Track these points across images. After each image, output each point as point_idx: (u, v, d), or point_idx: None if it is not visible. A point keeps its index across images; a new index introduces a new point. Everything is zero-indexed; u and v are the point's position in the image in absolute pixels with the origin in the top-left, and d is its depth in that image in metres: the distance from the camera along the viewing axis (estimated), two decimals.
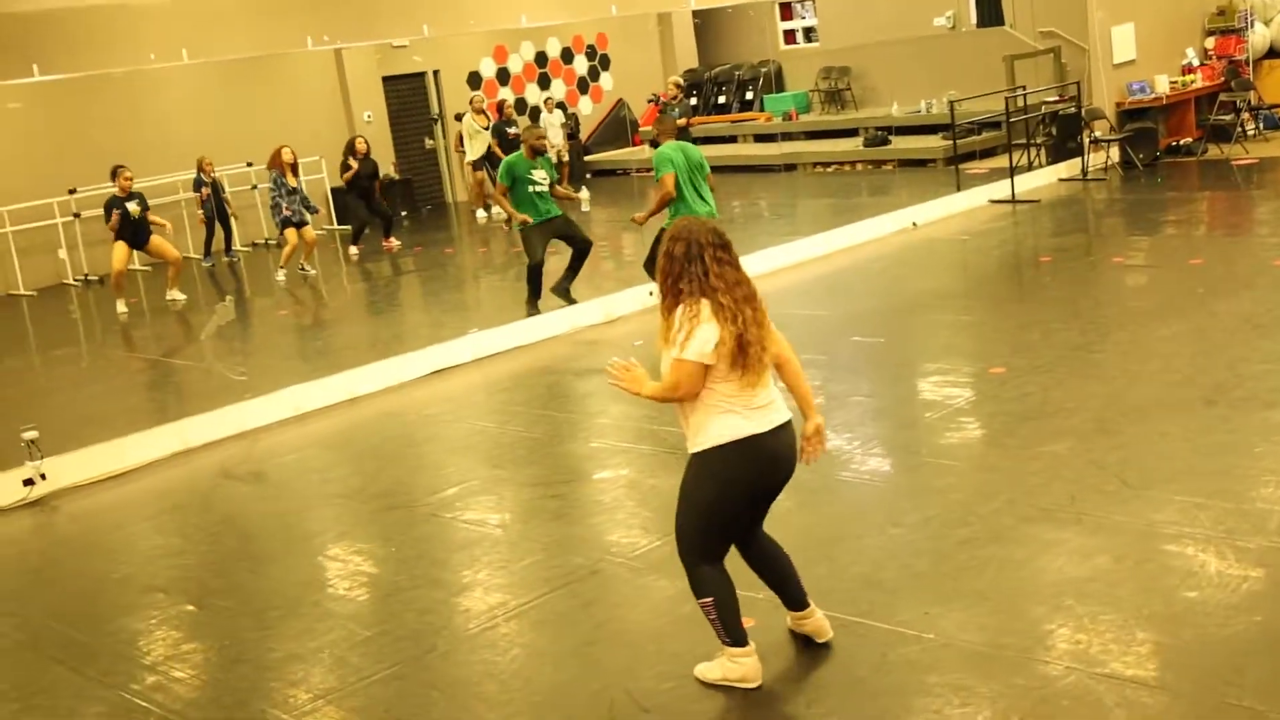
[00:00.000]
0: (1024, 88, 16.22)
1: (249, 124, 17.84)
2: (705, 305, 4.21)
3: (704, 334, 4.18)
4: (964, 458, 6.54)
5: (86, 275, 17.06)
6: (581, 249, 11.14)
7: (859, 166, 19.29)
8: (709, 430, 4.29)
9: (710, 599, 4.39)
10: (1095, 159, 15.67)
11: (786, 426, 4.35)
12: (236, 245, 17.67)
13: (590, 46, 23.12)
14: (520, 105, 21.64)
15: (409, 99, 20.89)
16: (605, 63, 23.44)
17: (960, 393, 7.58)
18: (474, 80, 21.31)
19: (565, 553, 5.93)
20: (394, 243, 16.49)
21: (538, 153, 10.92)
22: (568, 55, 22.81)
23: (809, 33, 24.21)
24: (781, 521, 4.85)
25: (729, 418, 4.26)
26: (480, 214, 18.63)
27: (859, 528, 5.75)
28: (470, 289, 13.89)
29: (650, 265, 10.37)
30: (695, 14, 23.74)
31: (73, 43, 10.10)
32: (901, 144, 19.10)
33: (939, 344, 8.96)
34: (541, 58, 22.41)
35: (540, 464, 7.39)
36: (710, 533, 4.39)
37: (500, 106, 19.17)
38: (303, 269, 14.86)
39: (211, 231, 16.80)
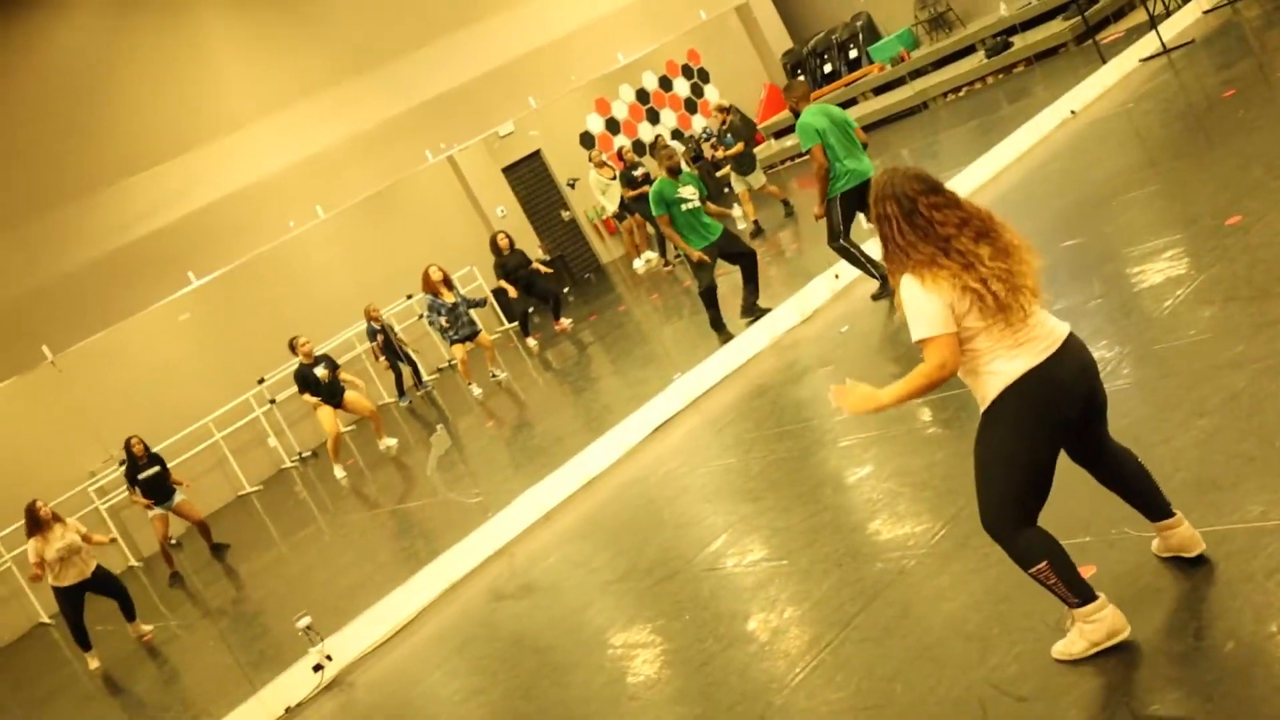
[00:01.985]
0: None
1: (395, 259, 18.08)
2: (934, 272, 3.83)
3: (932, 304, 3.82)
4: (1239, 322, 5.91)
5: (300, 454, 17.47)
6: (748, 264, 10.80)
7: (989, 80, 18.48)
8: (986, 385, 3.92)
9: (1043, 564, 3.93)
10: None
11: (1067, 345, 3.90)
12: (425, 376, 17.89)
13: (685, 66, 22.86)
14: (638, 147, 21.46)
15: (532, 181, 20.93)
16: (705, 76, 23.14)
17: (1202, 258, 6.93)
18: (587, 140, 21.26)
19: (861, 564, 5.55)
20: (566, 323, 16.41)
21: (675, 171, 10.64)
22: (666, 83, 22.59)
23: None
24: None
25: (997, 364, 3.88)
26: (637, 264, 18.49)
27: (1162, 430, 5.21)
28: (657, 338, 13.65)
29: (835, 238, 9.93)
30: None
31: (218, 237, 10.36)
32: (1025, 41, 18.22)
33: (1153, 219, 8.29)
34: (643, 95, 22.23)
35: (798, 482, 7.02)
36: (1017, 492, 3.94)
37: (620, 154, 19.06)
38: (493, 375, 14.87)
39: (398, 372, 17.04)
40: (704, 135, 19.09)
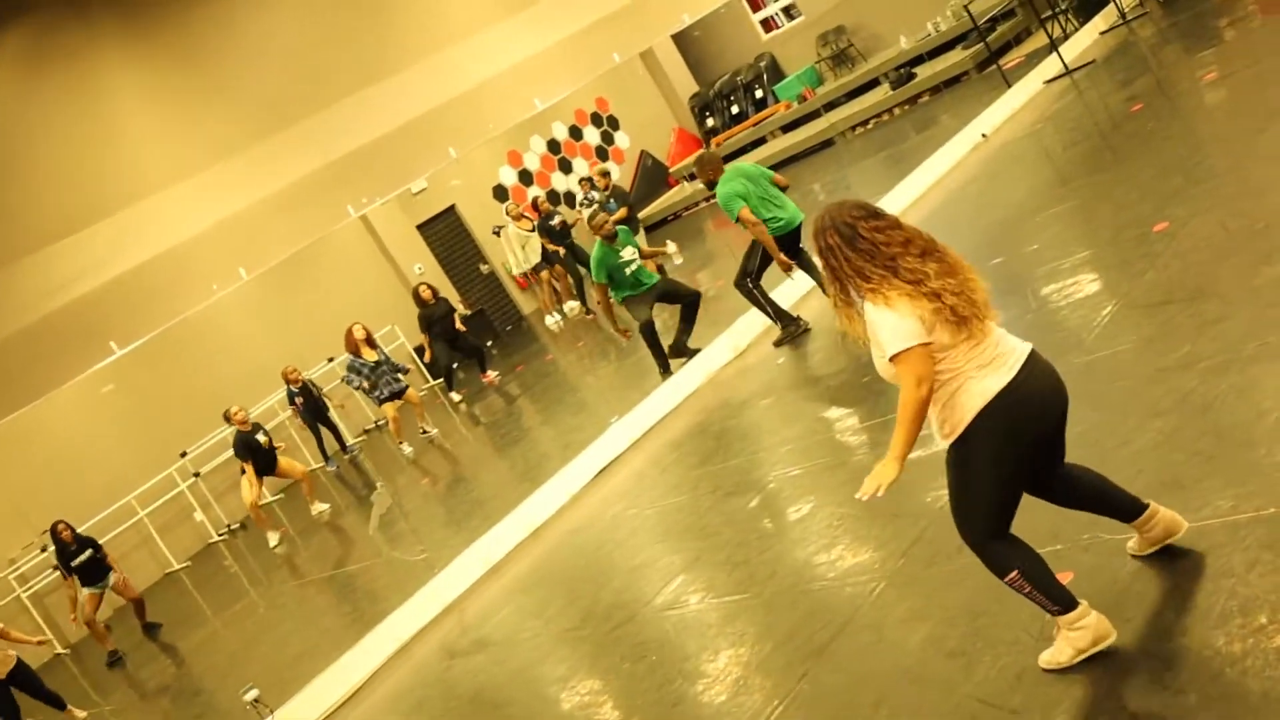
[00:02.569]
0: None
1: (315, 322, 17.81)
2: (891, 291, 3.80)
3: (901, 319, 3.77)
4: (1180, 323, 5.97)
5: (229, 526, 17.07)
6: (690, 303, 10.79)
7: (896, 111, 18.74)
8: (961, 408, 3.85)
9: (1016, 571, 3.91)
10: None
11: (1034, 360, 3.90)
12: (349, 439, 17.59)
13: (595, 114, 22.93)
14: (552, 196, 21.42)
15: (449, 236, 20.78)
16: (614, 123, 23.22)
17: (1133, 265, 7.01)
18: (500, 193, 21.19)
19: (828, 591, 5.48)
20: (492, 375, 16.25)
21: (613, 237, 10.61)
22: (576, 132, 22.63)
23: (788, 11, 23.83)
24: None
25: (969, 385, 3.83)
26: (549, 321, 18.37)
27: (1119, 434, 5.22)
28: (588, 384, 13.55)
29: (744, 279, 9.96)
30: (675, 39, 23.52)
31: (139, 305, 10.10)
32: (928, 71, 18.52)
33: (1079, 232, 8.40)
34: (554, 145, 22.24)
35: (752, 514, 6.94)
36: (992, 505, 3.92)
37: (535, 204, 19.00)
38: (424, 432, 14.65)
39: (318, 434, 16.73)
40: (585, 201, 18.19)
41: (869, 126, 19.15)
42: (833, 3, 21.94)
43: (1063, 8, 15.55)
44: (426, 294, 15.73)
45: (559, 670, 6.43)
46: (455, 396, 16.05)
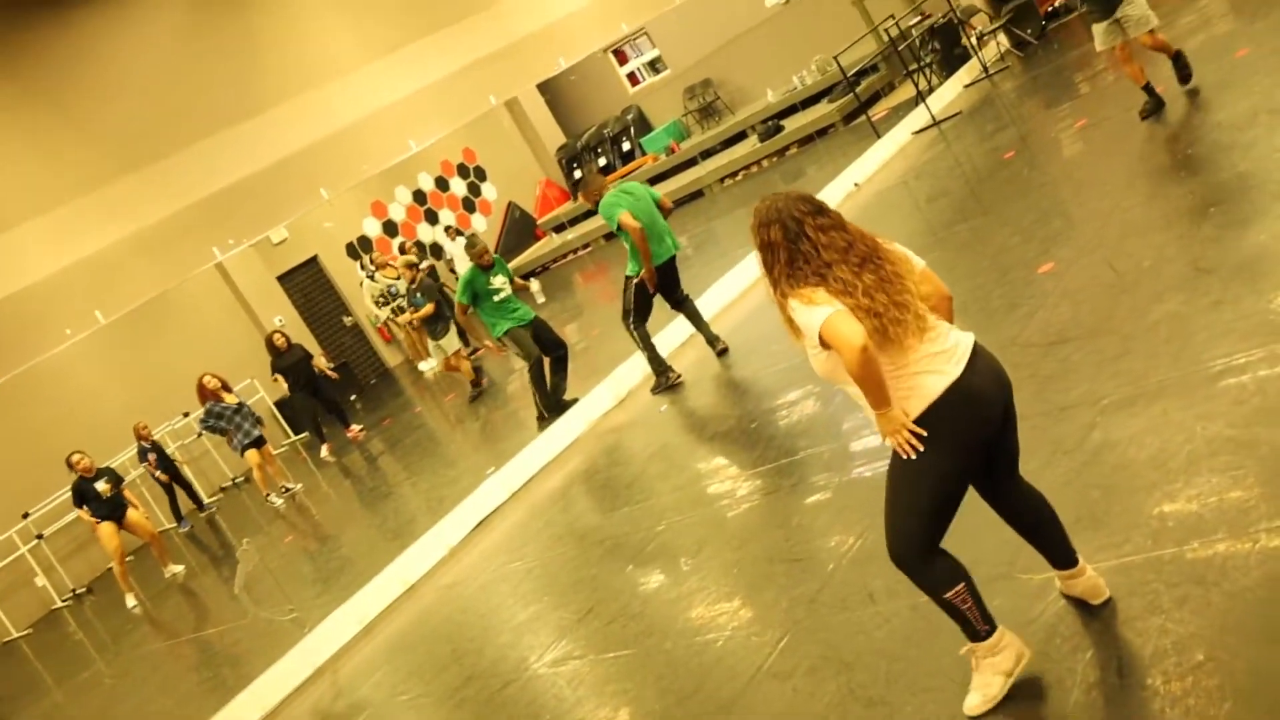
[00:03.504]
0: (892, 17, 15.91)
1: (168, 376, 17.08)
2: (819, 291, 3.63)
3: (819, 301, 3.61)
4: (1078, 361, 5.90)
5: (74, 590, 16.17)
6: (559, 356, 10.55)
7: (764, 163, 18.87)
8: (908, 400, 3.67)
9: (960, 585, 3.75)
10: (988, 54, 15.35)
11: (978, 355, 3.72)
12: (204, 498, 16.85)
13: (461, 165, 22.65)
14: (419, 248, 21.03)
15: (310, 288, 20.25)
16: (481, 174, 22.97)
17: (1022, 305, 6.98)
18: (365, 244, 20.72)
19: (736, 640, 5.23)
20: (357, 429, 15.74)
21: (488, 267, 10.35)
22: (443, 183, 22.31)
23: (654, 65, 23.96)
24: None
25: (912, 382, 3.66)
26: (423, 366, 17.98)
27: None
28: (461, 436, 13.17)
29: (627, 317, 9.75)
30: (542, 91, 23.41)
31: None
32: (795, 124, 18.70)
33: (965, 272, 8.36)
34: (420, 195, 21.87)
35: (644, 566, 6.67)
36: (929, 518, 3.73)
37: (403, 251, 18.59)
38: (285, 489, 14.05)
39: (171, 494, 15.98)
40: (388, 294, 16.55)
41: (738, 178, 19.24)
42: (698, 57, 22.12)
43: (926, 61, 15.83)
44: (280, 341, 15.14)
45: None
46: (324, 451, 15.44)
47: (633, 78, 24.18)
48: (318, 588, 9.62)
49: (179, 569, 13.55)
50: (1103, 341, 5.91)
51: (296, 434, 17.86)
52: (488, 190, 22.91)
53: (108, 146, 10.78)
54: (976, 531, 4.26)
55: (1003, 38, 15.46)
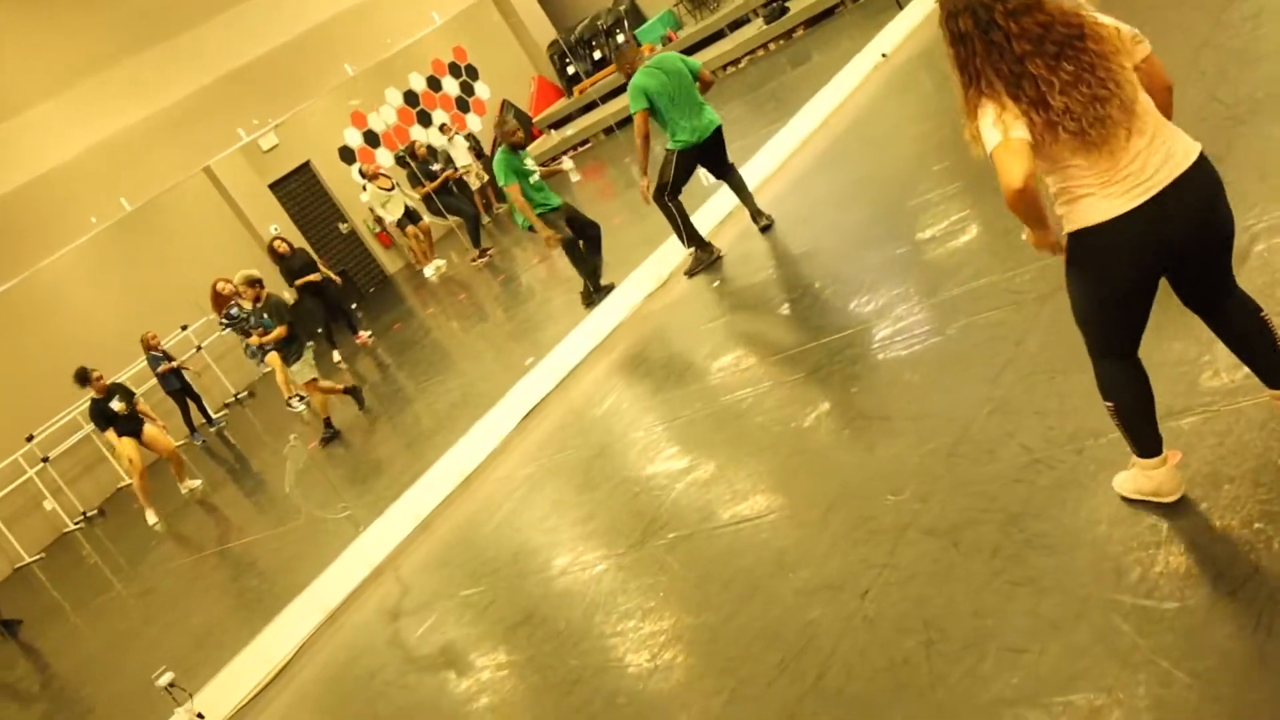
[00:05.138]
0: None
1: (165, 288, 16.56)
2: (1007, 107, 3.28)
3: (997, 121, 3.28)
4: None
5: (85, 513, 15.77)
6: (592, 236, 10.10)
7: (771, 46, 18.25)
8: (1071, 213, 3.40)
9: (1111, 404, 3.58)
10: None
11: (1180, 183, 3.28)
12: (214, 413, 16.42)
13: (452, 64, 21.90)
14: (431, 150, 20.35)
15: (303, 195, 19.62)
16: (474, 73, 22.25)
17: None
18: (346, 155, 19.99)
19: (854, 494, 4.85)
20: (365, 335, 15.31)
21: (518, 146, 9.85)
22: (435, 83, 21.57)
23: None
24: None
25: (1083, 201, 3.34)
26: (427, 271, 17.48)
27: None
28: (485, 333, 12.69)
29: (660, 195, 9.30)
30: None
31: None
32: (800, 3, 18.05)
33: None
34: (412, 97, 21.14)
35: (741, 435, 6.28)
36: (1100, 325, 3.53)
37: (412, 150, 17.92)
38: (294, 400, 13.52)
39: (184, 406, 15.54)
40: (228, 318, 13.70)
41: (740, 65, 18.63)
42: None
43: None
44: (282, 247, 14.67)
45: (533, 610, 5.68)
46: (335, 356, 15.01)
47: None
48: (366, 486, 9.21)
49: (197, 483, 13.16)
50: None
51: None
52: (480, 89, 22.19)
53: (121, 22, 10.12)
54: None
55: None
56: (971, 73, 3.32)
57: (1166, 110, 3.39)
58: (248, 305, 11.78)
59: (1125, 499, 3.80)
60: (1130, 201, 3.27)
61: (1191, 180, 3.28)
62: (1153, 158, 3.27)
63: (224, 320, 13.45)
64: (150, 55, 10.04)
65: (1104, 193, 3.29)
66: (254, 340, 11.06)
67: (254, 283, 11.59)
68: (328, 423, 11.33)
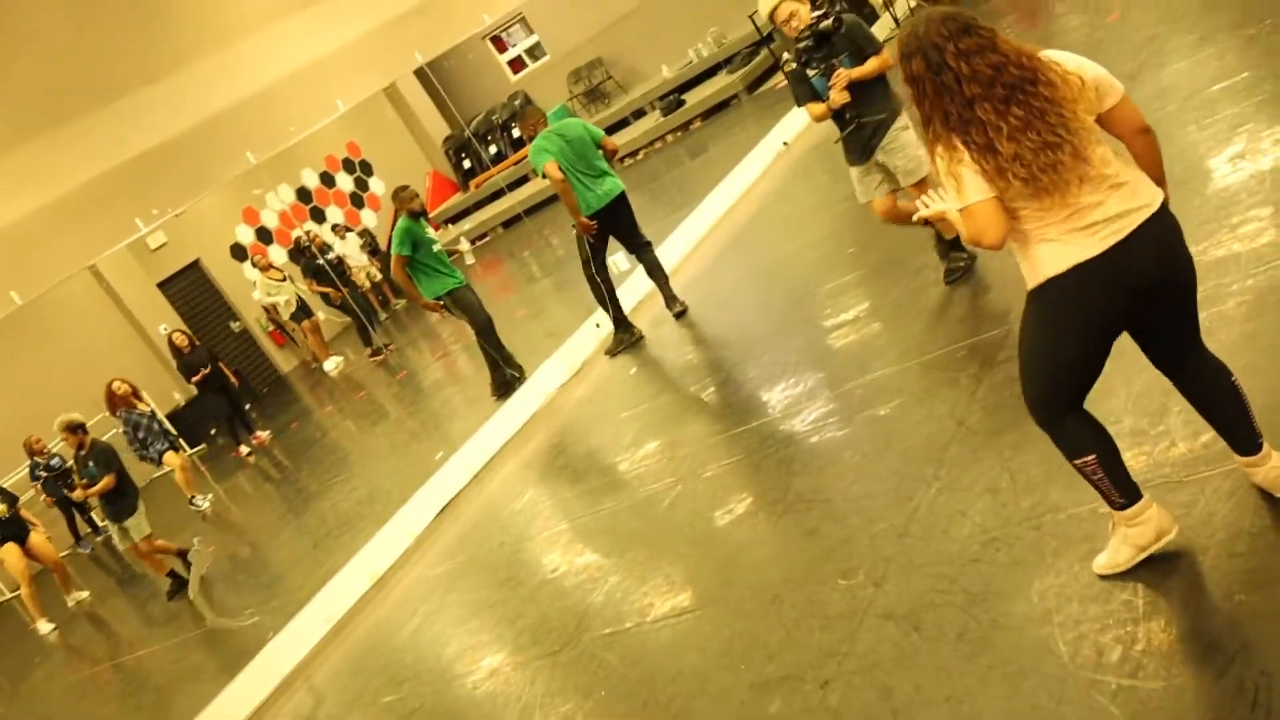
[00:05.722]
0: None
1: (50, 392, 15.87)
2: (965, 156, 3.23)
3: (965, 173, 3.23)
4: None
5: None
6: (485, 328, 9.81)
7: (669, 138, 18.38)
8: (1033, 264, 3.33)
9: (1092, 456, 3.41)
10: (899, 9, 15.07)
11: (1140, 233, 3.22)
12: (99, 519, 15.72)
13: (346, 159, 21.68)
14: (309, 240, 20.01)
15: (194, 294, 19.13)
16: (368, 169, 22.03)
17: None
18: (238, 252, 19.59)
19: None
20: (263, 435, 14.87)
21: (419, 214, 9.62)
22: (328, 179, 21.31)
23: (533, 52, 23.35)
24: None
25: (1046, 246, 3.26)
26: (328, 366, 17.08)
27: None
28: (389, 430, 12.34)
29: (588, 266, 9.14)
30: (422, 81, 22.59)
31: None
32: (696, 96, 18.24)
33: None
34: (305, 193, 20.84)
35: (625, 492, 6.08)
36: (1060, 377, 3.40)
37: (298, 241, 17.61)
38: (197, 498, 13.02)
39: (69, 513, 14.86)
40: (48, 469, 13.13)
41: (638, 157, 18.72)
42: (580, 40, 21.57)
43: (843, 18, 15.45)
44: (182, 341, 14.31)
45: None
46: (243, 450, 14.54)
47: (516, 64, 23.52)
48: (274, 591, 8.78)
49: (84, 595, 12.52)
50: None
51: (193, 446, 16.79)
52: (375, 185, 21.99)
53: (13, 109, 9.73)
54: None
55: None
56: (925, 113, 3.29)
57: (1148, 153, 3.34)
58: (56, 460, 11.21)
59: (1112, 575, 3.59)
60: (1095, 246, 3.22)
61: (1154, 226, 3.24)
62: (1111, 203, 3.22)
63: (42, 473, 12.90)
64: (40, 144, 9.67)
65: (1067, 239, 3.23)
66: (77, 495, 10.42)
67: (74, 428, 10.17)
68: (172, 574, 10.21)
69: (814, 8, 6.51)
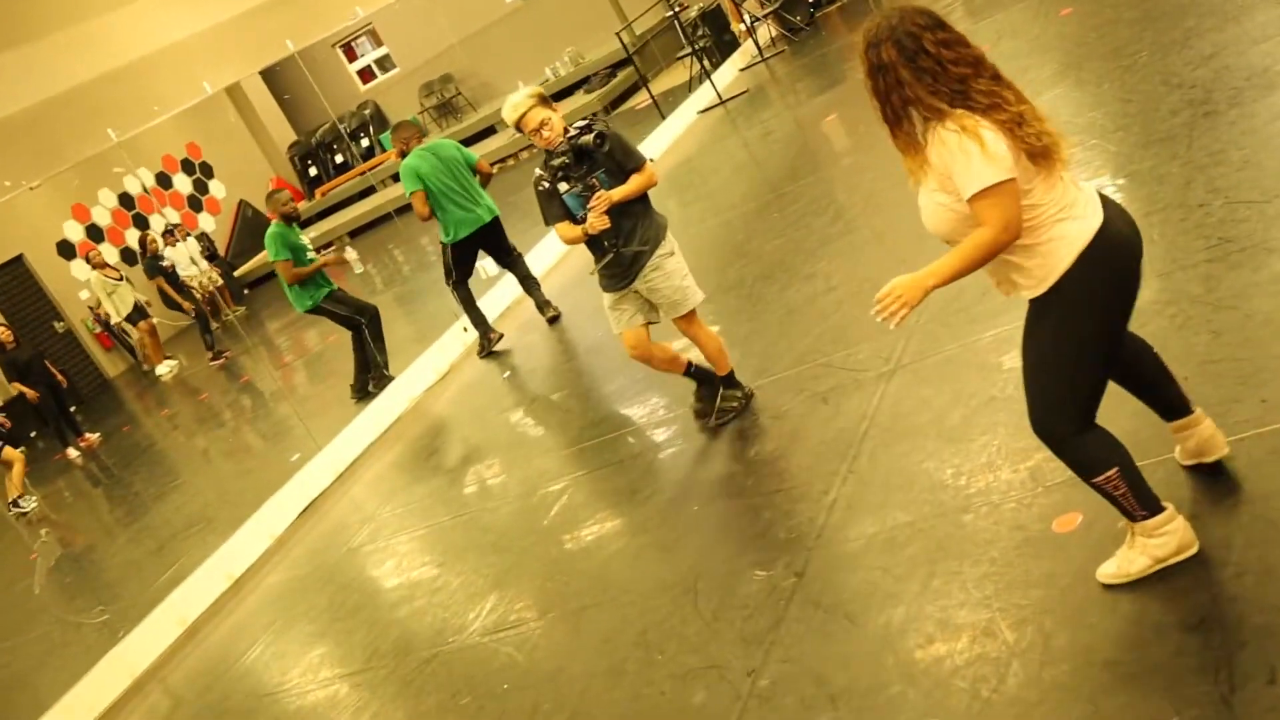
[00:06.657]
0: (681, 4, 15.66)
1: None
2: (968, 120, 3.09)
3: (992, 145, 3.05)
4: None
5: None
6: (371, 324, 9.63)
7: (522, 155, 18.23)
8: (1052, 255, 3.16)
9: (1114, 470, 3.24)
10: (761, 37, 15.29)
11: (1106, 201, 3.25)
12: None
13: (186, 160, 20.86)
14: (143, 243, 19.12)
15: (15, 290, 18.12)
16: (208, 171, 21.26)
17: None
18: (66, 249, 18.63)
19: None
20: (92, 437, 14.13)
21: (291, 218, 9.33)
22: (165, 180, 20.47)
23: (382, 63, 23.01)
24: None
25: (1059, 228, 3.15)
26: (160, 370, 16.37)
27: None
28: (236, 434, 11.84)
29: (449, 278, 9.07)
30: (269, 85, 22.02)
31: None
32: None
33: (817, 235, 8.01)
34: (127, 199, 19.76)
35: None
36: (1084, 386, 3.24)
37: (143, 241, 16.83)
38: (21, 500, 12.23)
39: None
40: None
41: (494, 169, 18.47)
42: (432, 54, 21.30)
43: (700, 46, 15.60)
44: (5, 335, 13.51)
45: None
46: (72, 453, 13.77)
47: (365, 74, 23.11)
48: (112, 591, 8.29)
49: None
50: None
51: (15, 447, 15.84)
52: (215, 187, 21.24)
53: None
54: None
55: (774, 26, 15.43)
56: (901, 99, 3.15)
57: None
58: None
59: (1124, 584, 3.39)
60: (1097, 214, 3.18)
61: (1109, 203, 3.26)
62: (1077, 182, 3.25)
63: None
64: None
65: (1074, 211, 3.17)
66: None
67: None
68: None
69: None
